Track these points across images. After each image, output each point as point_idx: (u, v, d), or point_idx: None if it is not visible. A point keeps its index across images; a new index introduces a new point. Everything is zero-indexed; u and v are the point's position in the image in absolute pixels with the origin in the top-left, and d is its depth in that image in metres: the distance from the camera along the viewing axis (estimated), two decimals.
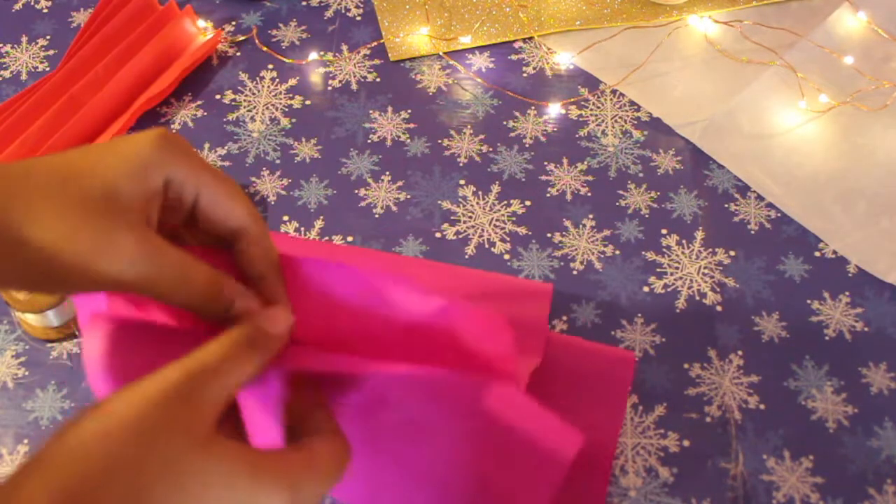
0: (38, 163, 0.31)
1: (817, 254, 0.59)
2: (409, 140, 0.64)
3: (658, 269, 0.58)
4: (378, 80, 0.67)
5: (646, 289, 0.57)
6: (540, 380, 0.50)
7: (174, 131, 0.64)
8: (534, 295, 0.55)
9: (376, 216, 0.60)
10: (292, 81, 0.67)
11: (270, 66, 0.68)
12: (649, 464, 0.51)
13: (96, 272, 0.30)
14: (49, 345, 0.54)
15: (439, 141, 0.64)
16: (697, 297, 0.57)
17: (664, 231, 0.60)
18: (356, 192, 0.61)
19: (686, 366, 0.54)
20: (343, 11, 0.71)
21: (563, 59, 0.68)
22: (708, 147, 0.63)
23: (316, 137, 0.64)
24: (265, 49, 0.68)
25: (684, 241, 0.59)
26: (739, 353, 0.55)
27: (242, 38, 0.69)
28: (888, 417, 0.52)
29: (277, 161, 0.63)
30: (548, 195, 0.61)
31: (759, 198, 0.61)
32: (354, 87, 0.67)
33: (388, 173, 0.62)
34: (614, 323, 0.56)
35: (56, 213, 0.29)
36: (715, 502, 0.50)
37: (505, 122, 0.65)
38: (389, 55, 0.68)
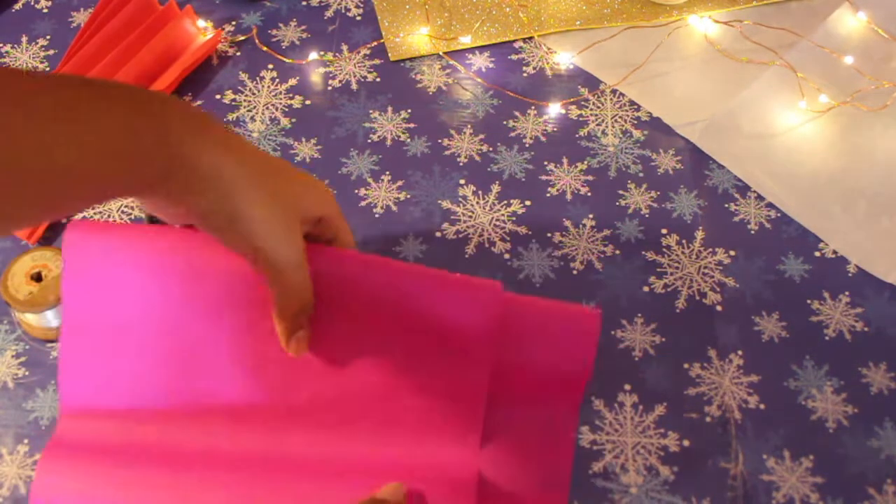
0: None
1: (817, 254, 0.59)
2: (409, 140, 0.64)
3: (658, 269, 0.58)
4: (378, 79, 0.67)
5: (646, 289, 0.57)
6: (500, 345, 0.47)
7: None
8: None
9: (376, 216, 0.60)
10: (292, 81, 0.67)
11: (270, 66, 0.68)
12: (650, 462, 0.51)
13: (259, 239, 0.38)
14: (49, 345, 0.54)
15: (439, 140, 0.64)
16: (697, 297, 0.57)
17: (664, 231, 0.60)
18: (356, 191, 0.61)
19: (686, 366, 0.54)
20: (343, 11, 0.71)
21: (563, 58, 0.68)
22: (708, 147, 0.63)
23: (316, 137, 0.64)
24: (265, 49, 0.68)
25: (684, 241, 0.59)
26: (739, 352, 0.55)
27: (242, 38, 0.69)
28: (888, 417, 0.52)
29: None
30: (548, 195, 0.61)
31: (759, 198, 0.61)
32: (354, 86, 0.67)
33: (388, 173, 0.62)
34: (614, 323, 0.56)
35: (267, 207, 0.38)
36: (715, 502, 0.50)
37: (505, 122, 0.65)
38: (389, 55, 0.68)
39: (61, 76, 0.36)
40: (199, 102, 0.66)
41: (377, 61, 0.68)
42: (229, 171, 0.37)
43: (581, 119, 0.65)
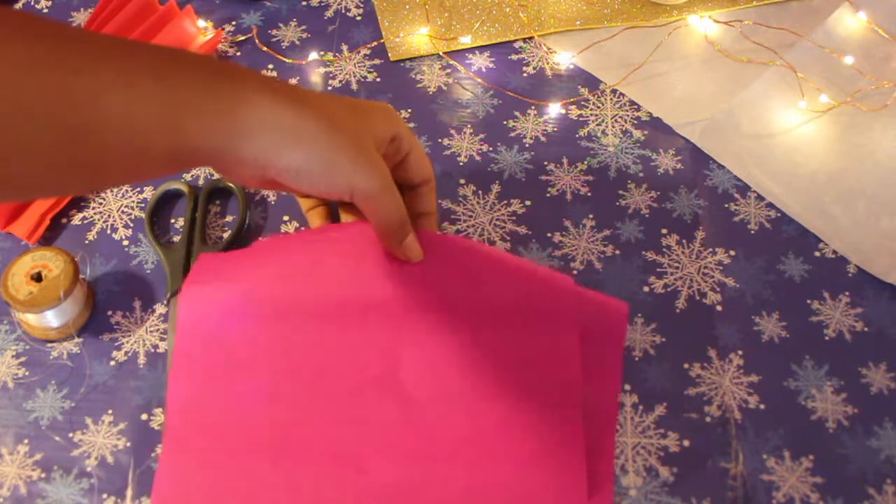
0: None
1: (817, 254, 0.59)
2: None
3: (658, 269, 0.58)
4: (378, 79, 0.67)
5: (646, 289, 0.57)
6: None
7: None
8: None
9: None
10: (292, 81, 0.67)
11: (270, 66, 0.68)
12: (649, 463, 0.51)
13: (357, 179, 0.42)
14: (49, 345, 0.54)
15: (439, 140, 0.64)
16: (697, 297, 0.57)
17: (664, 231, 0.60)
18: None
19: (686, 366, 0.54)
20: (343, 11, 0.71)
21: (563, 58, 0.68)
22: (708, 147, 0.63)
23: None
24: (265, 49, 0.68)
25: (684, 241, 0.59)
26: (739, 352, 0.55)
27: (242, 38, 0.69)
28: (888, 417, 0.52)
29: None
30: (548, 195, 0.61)
31: (759, 198, 0.61)
32: (355, 86, 0.67)
33: None
34: None
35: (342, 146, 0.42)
36: (715, 502, 0.50)
37: (505, 122, 0.65)
38: (389, 55, 0.68)
39: (136, 41, 0.38)
40: None
41: (377, 61, 0.68)
42: (313, 124, 0.41)
43: (581, 119, 0.65)
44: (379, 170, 0.43)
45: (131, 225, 0.59)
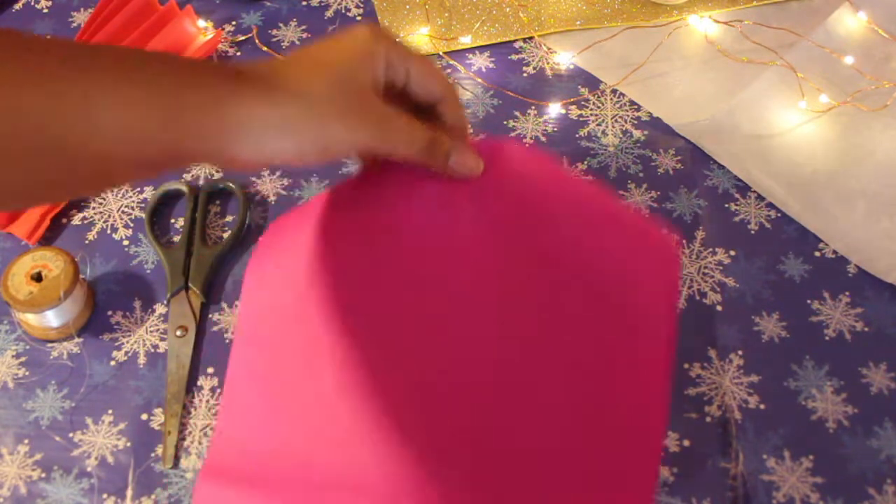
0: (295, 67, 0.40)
1: (817, 254, 0.59)
2: None
3: None
4: None
5: None
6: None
7: None
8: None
9: None
10: None
11: None
12: None
13: (353, 139, 0.39)
14: (49, 345, 0.54)
15: None
16: (697, 297, 0.57)
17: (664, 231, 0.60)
18: None
19: (686, 366, 0.54)
20: (343, 11, 0.71)
21: (564, 58, 0.68)
22: (708, 147, 0.63)
23: None
24: (265, 49, 0.68)
25: (684, 241, 0.59)
26: (739, 352, 0.55)
27: (243, 38, 0.69)
28: (888, 417, 0.52)
29: None
30: None
31: (759, 198, 0.61)
32: None
33: None
34: None
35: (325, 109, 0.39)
36: (715, 502, 0.50)
37: (505, 122, 0.65)
38: None
39: (125, 48, 0.38)
40: None
41: None
42: (302, 112, 0.39)
43: (581, 119, 0.65)
44: (369, 118, 0.40)
45: (131, 225, 0.59)
